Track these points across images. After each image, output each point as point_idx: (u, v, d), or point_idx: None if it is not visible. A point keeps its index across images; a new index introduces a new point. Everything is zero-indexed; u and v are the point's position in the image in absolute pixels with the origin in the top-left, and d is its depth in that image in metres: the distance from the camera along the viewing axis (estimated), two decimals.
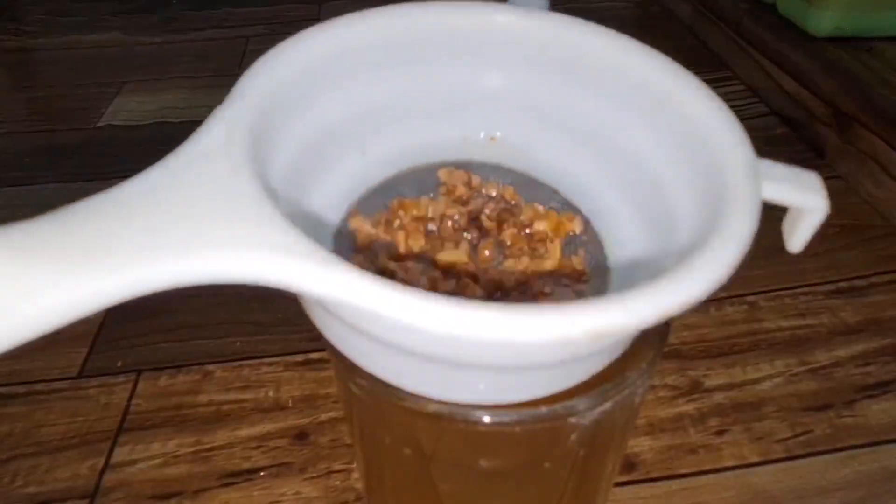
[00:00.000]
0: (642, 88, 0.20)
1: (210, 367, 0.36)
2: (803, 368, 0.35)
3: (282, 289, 0.15)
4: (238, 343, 0.37)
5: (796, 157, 0.51)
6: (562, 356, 0.16)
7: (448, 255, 0.20)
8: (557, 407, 0.18)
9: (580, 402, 0.18)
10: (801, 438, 0.32)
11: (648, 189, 0.21)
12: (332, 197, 0.21)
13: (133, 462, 0.31)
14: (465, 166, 0.23)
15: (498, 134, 0.23)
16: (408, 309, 0.13)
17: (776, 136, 0.54)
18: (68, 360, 0.36)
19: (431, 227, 0.21)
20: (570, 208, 0.22)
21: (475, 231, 0.21)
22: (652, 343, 0.20)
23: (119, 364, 0.36)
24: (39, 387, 0.35)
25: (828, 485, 0.30)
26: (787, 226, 0.20)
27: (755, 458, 0.31)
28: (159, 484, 0.30)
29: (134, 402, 0.34)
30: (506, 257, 0.21)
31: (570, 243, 0.21)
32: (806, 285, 0.40)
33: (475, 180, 0.22)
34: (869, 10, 0.55)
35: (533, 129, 0.23)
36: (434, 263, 0.20)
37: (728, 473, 0.30)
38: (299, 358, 0.36)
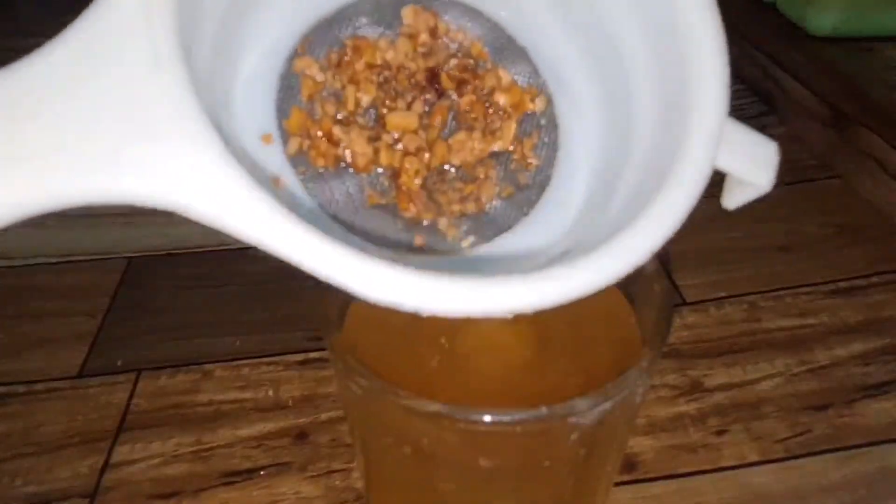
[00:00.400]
0: None
1: (210, 367, 0.36)
2: (803, 368, 0.35)
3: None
4: (238, 343, 0.37)
5: (795, 157, 0.51)
6: None
7: (397, 119, 0.19)
8: (557, 407, 0.18)
9: (580, 402, 0.18)
10: (801, 438, 0.31)
11: (620, 92, 0.19)
12: (282, 24, 0.19)
13: (133, 461, 0.31)
14: (437, 1, 0.20)
15: None
16: (334, 269, 0.13)
17: (776, 136, 0.53)
18: (68, 359, 0.36)
19: (387, 75, 0.19)
20: (535, 79, 0.20)
21: (432, 90, 0.20)
22: (651, 343, 0.20)
23: (119, 364, 0.36)
24: (39, 386, 0.35)
25: (828, 485, 0.30)
26: (730, 182, 0.19)
27: (755, 458, 0.31)
28: (159, 483, 0.30)
29: (134, 401, 0.34)
30: (458, 125, 0.20)
31: (528, 121, 0.20)
32: (806, 285, 0.40)
33: (441, 27, 0.20)
34: (869, 10, 0.55)
35: None
36: (382, 121, 0.19)
37: (728, 473, 0.30)
38: (299, 357, 0.36)
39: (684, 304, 0.39)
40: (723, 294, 0.39)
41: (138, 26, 0.13)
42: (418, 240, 0.19)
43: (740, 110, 0.56)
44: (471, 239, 0.19)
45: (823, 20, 0.55)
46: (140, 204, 0.13)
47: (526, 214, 0.20)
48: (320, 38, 0.19)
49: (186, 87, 0.13)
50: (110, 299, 0.40)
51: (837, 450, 0.31)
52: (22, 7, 0.82)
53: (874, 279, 0.40)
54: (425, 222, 0.19)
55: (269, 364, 0.36)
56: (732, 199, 0.19)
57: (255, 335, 0.37)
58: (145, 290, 0.41)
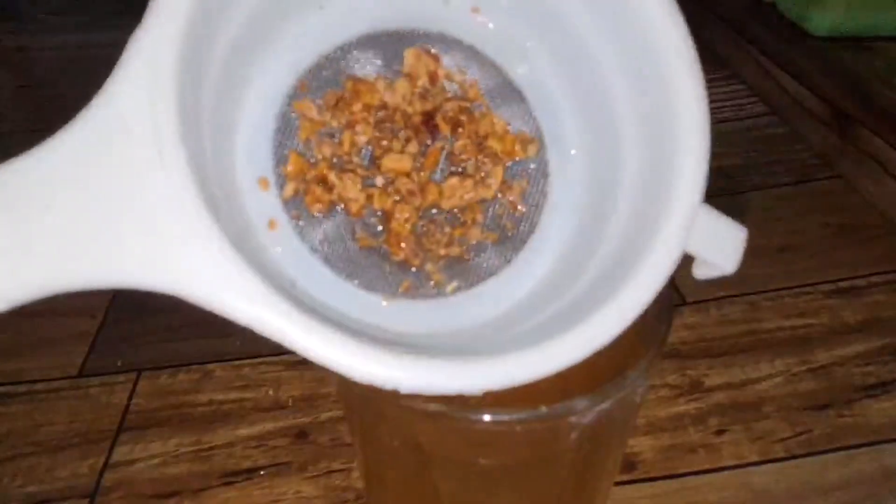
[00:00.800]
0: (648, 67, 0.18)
1: (210, 367, 0.36)
2: (803, 368, 0.35)
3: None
4: (238, 342, 0.37)
5: (796, 157, 0.51)
6: None
7: (392, 162, 0.20)
8: (557, 406, 0.18)
9: (580, 402, 0.18)
10: (801, 438, 0.31)
11: (610, 156, 0.20)
12: (281, 66, 0.19)
13: (133, 461, 0.31)
14: (437, 40, 0.20)
15: (482, 8, 0.20)
16: (325, 356, 0.15)
17: (776, 136, 0.54)
18: (68, 359, 0.36)
19: (384, 114, 0.20)
20: (530, 125, 0.21)
21: (427, 133, 0.20)
22: (651, 342, 0.20)
23: (119, 363, 0.36)
24: (39, 386, 0.35)
25: (828, 485, 0.30)
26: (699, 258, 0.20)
27: (755, 458, 0.31)
28: (159, 483, 0.30)
29: (134, 401, 0.34)
30: (451, 167, 0.20)
31: (519, 167, 0.21)
32: (806, 285, 0.40)
33: (441, 72, 0.20)
34: (869, 10, 0.55)
35: (522, 24, 0.20)
36: (376, 162, 0.20)
37: (728, 473, 0.30)
38: (299, 357, 0.36)
39: (684, 304, 0.39)
40: (723, 294, 0.39)
41: (143, 122, 0.14)
42: (405, 285, 0.20)
43: (741, 110, 0.56)
44: (454, 284, 0.20)
45: (824, 20, 0.55)
46: (142, 289, 0.14)
47: (509, 262, 0.20)
48: (318, 76, 0.20)
49: (190, 182, 0.14)
50: (110, 299, 0.40)
51: (837, 450, 0.31)
52: (23, 7, 0.82)
53: (874, 279, 0.40)
54: (413, 269, 0.20)
55: (269, 364, 0.36)
56: (701, 272, 0.20)
57: (255, 335, 0.37)
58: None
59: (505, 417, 0.18)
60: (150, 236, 0.14)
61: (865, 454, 0.31)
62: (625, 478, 0.30)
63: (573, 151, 0.21)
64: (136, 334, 0.38)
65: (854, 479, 0.30)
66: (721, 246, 0.18)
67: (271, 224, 0.19)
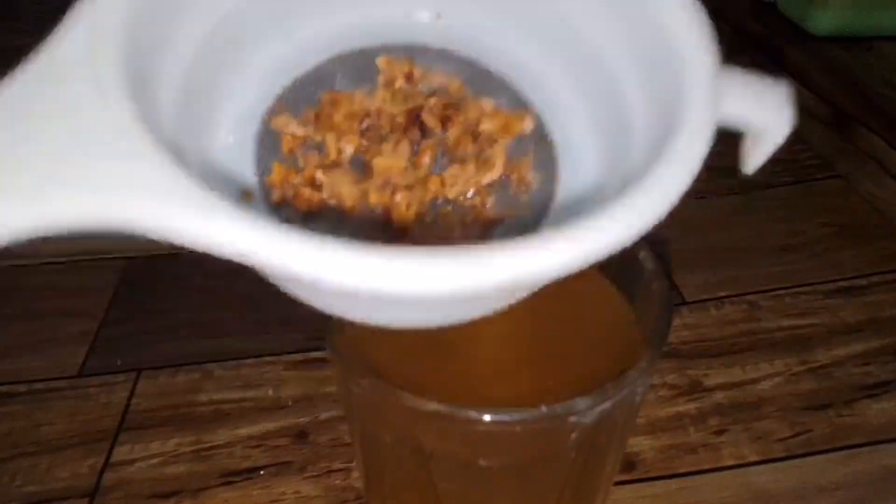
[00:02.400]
0: None
1: (210, 367, 0.36)
2: (803, 368, 0.35)
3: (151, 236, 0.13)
4: (238, 342, 0.37)
5: (796, 157, 0.51)
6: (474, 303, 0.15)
7: (385, 161, 0.18)
8: (557, 407, 0.18)
9: (580, 402, 0.18)
10: (801, 438, 0.32)
11: (603, 87, 0.19)
12: (255, 90, 0.19)
13: (133, 461, 0.31)
14: (407, 51, 0.20)
15: (443, 13, 0.20)
16: (293, 258, 0.12)
17: None
18: (68, 359, 0.36)
19: (368, 122, 0.19)
20: (520, 103, 0.20)
21: (416, 131, 0.19)
22: (651, 342, 0.20)
23: (119, 363, 0.36)
24: (39, 386, 0.35)
25: (828, 484, 0.30)
26: (747, 145, 0.18)
27: (755, 458, 0.31)
28: (159, 483, 0.30)
29: (134, 401, 0.34)
30: (450, 161, 0.19)
31: (520, 143, 0.20)
32: (806, 285, 0.40)
33: (417, 72, 0.20)
34: (869, 10, 0.55)
35: (482, 10, 0.20)
36: (368, 167, 0.19)
37: (728, 473, 0.30)
38: (299, 357, 0.36)
39: (684, 303, 0.39)
40: (723, 294, 0.39)
41: (83, 59, 0.14)
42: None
43: None
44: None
45: (824, 20, 0.56)
46: (83, 227, 0.12)
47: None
48: (296, 97, 0.19)
49: (132, 112, 0.13)
50: (110, 299, 0.40)
51: (837, 450, 0.31)
52: (23, 6, 0.82)
53: (874, 279, 0.40)
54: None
55: (269, 364, 0.36)
56: (751, 160, 0.18)
57: (255, 335, 0.37)
58: (145, 290, 0.41)
59: (505, 418, 0.18)
60: (81, 162, 0.13)
61: (865, 454, 0.31)
62: (625, 478, 0.30)
63: (570, 107, 0.20)
64: (136, 334, 0.38)
65: (854, 479, 0.30)
66: (763, 104, 0.17)
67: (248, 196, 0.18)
